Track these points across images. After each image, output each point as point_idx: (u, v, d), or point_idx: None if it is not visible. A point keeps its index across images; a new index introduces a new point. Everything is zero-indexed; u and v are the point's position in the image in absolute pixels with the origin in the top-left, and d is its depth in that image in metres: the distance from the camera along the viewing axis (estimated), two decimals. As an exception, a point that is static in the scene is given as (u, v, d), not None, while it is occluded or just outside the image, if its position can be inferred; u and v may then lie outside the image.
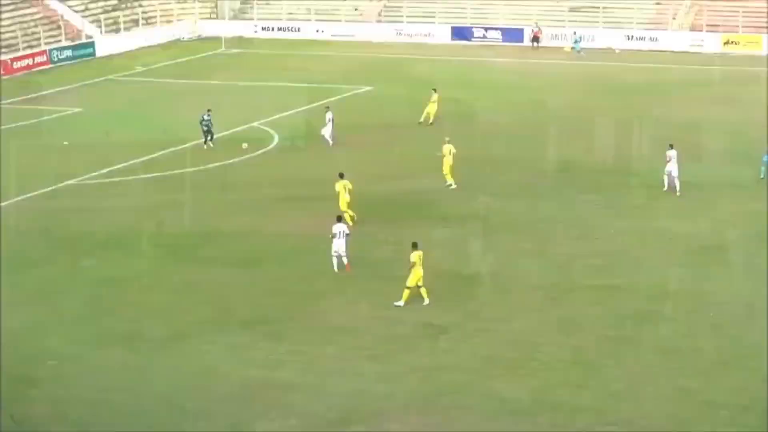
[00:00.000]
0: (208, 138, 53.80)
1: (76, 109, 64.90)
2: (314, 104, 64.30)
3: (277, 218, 42.38)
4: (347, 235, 36.44)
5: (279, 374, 29.12)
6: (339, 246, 36.21)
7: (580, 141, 54.13)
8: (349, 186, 41.16)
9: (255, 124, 58.51)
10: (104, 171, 50.07)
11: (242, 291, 35.16)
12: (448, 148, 46.38)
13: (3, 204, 44.92)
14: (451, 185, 46.03)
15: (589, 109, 61.54)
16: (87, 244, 40.03)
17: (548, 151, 52.01)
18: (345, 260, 36.43)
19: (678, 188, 44.16)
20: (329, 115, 53.87)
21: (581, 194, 44.70)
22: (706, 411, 26.71)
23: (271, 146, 54.34)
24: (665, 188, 44.49)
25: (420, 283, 33.28)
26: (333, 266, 36.45)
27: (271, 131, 56.20)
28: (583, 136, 55.15)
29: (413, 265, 33.15)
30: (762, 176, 45.89)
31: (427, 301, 33.33)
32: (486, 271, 36.37)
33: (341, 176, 41.46)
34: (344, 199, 41.02)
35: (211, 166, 50.67)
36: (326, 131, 53.73)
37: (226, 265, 37.58)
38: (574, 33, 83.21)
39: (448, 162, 46.13)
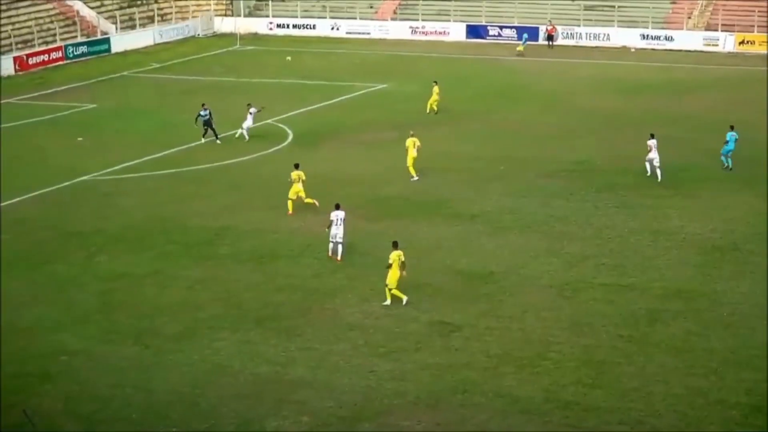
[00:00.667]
0: (206, 132, 54.06)
1: (91, 105, 65.09)
2: (328, 101, 64.50)
3: (289, 215, 42.36)
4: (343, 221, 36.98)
5: (290, 371, 29.12)
6: (337, 232, 36.78)
7: (593, 140, 54.11)
8: (303, 177, 41.80)
9: (269, 121, 58.53)
10: (117, 167, 50.19)
11: (254, 288, 35.17)
12: (412, 141, 46.53)
13: (16, 200, 45.07)
14: (414, 178, 46.46)
15: (604, 108, 61.54)
16: (99, 240, 40.13)
17: (561, 151, 51.92)
18: (340, 249, 36.96)
19: (660, 176, 45.88)
20: (253, 110, 54.40)
21: (594, 194, 44.65)
22: (717, 411, 26.63)
23: (285, 143, 54.38)
24: (648, 174, 46.31)
25: (393, 285, 33.09)
26: (329, 251, 37.19)
27: (285, 128, 56.19)
28: (597, 136, 55.15)
29: (389, 266, 33.01)
30: (727, 166, 47.68)
31: (405, 300, 33.12)
32: (498, 269, 36.33)
33: (296, 167, 42.13)
34: (296, 188, 41.69)
35: (223, 163, 50.76)
36: (246, 124, 54.32)
37: (238, 261, 37.63)
38: (525, 33, 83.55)
39: (411, 155, 46.27)
